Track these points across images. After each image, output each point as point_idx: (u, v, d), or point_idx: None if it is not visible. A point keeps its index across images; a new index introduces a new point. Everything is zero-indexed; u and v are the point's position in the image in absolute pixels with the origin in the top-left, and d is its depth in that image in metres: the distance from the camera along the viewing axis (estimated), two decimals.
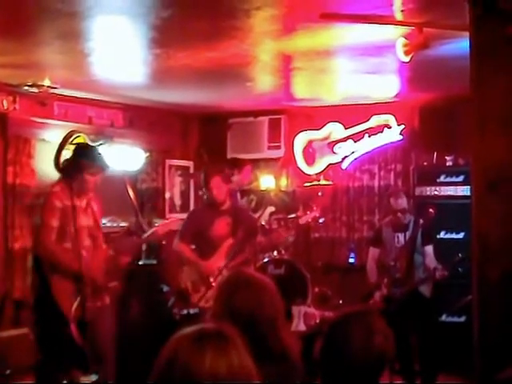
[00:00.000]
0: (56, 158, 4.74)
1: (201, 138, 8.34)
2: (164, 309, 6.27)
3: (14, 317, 5.98)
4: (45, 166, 5.92)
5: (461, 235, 6.47)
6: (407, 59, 4.09)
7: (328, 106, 7.46)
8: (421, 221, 5.79)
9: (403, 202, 5.83)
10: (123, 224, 6.52)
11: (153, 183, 7.76)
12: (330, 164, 7.54)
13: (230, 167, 6.76)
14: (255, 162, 7.48)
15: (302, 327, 5.88)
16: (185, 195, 8.15)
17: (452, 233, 6.57)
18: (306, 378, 2.66)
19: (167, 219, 7.06)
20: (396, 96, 7.00)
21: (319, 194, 7.55)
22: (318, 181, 7.57)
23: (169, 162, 7.95)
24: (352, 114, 7.40)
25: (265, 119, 7.90)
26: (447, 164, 6.80)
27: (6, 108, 6.03)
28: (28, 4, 3.81)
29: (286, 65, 5.57)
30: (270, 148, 7.88)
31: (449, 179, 6.69)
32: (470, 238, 3.26)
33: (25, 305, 5.80)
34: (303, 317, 5.93)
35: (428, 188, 6.77)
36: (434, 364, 5.70)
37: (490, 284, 3.08)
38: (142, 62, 5.41)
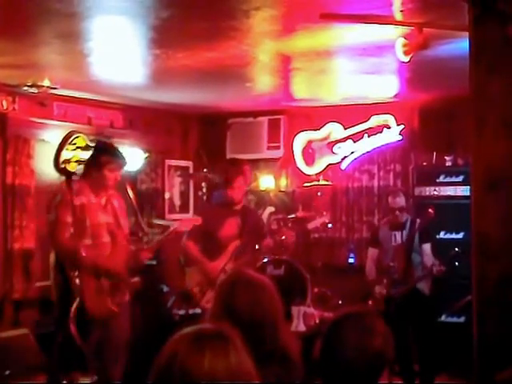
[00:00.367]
0: (55, 159, 4.74)
1: (200, 138, 8.33)
2: (163, 309, 6.27)
3: (14, 317, 5.98)
4: (44, 166, 5.93)
5: (460, 235, 6.47)
6: (407, 59, 4.09)
7: (327, 106, 7.45)
8: (418, 220, 5.80)
9: (401, 201, 5.83)
10: None
11: (152, 184, 7.75)
12: (330, 164, 7.54)
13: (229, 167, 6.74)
14: (255, 163, 7.47)
15: (302, 327, 5.88)
16: (184, 195, 8.14)
17: (451, 233, 6.57)
18: (305, 379, 2.66)
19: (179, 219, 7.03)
20: (395, 96, 7.00)
21: (319, 194, 7.55)
22: (318, 181, 7.56)
23: (168, 162, 7.95)
24: (351, 114, 7.40)
25: (264, 119, 7.89)
26: (446, 164, 6.80)
27: (5, 108, 6.03)
28: (27, 4, 3.80)
29: (285, 65, 5.57)
30: (269, 148, 7.88)
31: (448, 179, 6.70)
32: (469, 238, 3.26)
33: (24, 305, 5.80)
34: (303, 317, 5.94)
35: (427, 188, 6.77)
36: (433, 364, 5.70)
37: (490, 284, 3.08)
38: (142, 62, 5.41)
